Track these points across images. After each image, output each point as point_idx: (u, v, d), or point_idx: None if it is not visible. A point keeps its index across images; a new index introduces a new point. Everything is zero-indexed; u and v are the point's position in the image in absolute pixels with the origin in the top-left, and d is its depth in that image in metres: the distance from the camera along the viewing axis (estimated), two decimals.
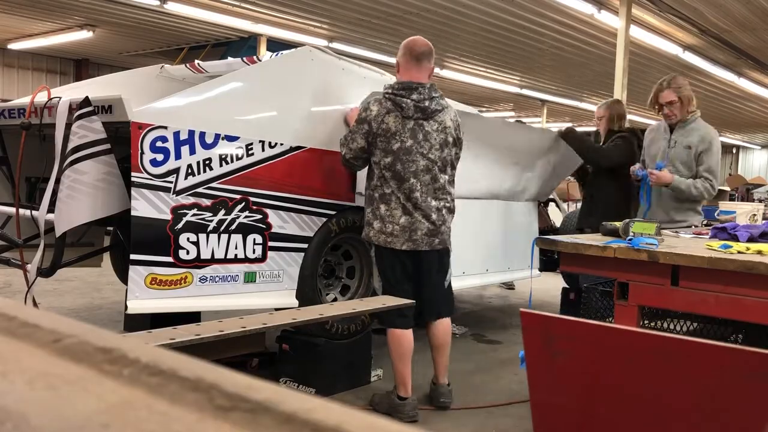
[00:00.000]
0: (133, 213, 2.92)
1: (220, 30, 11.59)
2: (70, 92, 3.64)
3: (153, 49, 13.54)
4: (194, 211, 3.11)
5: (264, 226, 3.38)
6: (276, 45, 10.76)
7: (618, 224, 3.04)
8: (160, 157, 2.99)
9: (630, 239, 2.77)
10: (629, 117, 5.04)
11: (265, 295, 3.44)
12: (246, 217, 3.30)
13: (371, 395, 3.56)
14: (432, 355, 3.55)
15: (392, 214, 3.29)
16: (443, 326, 3.53)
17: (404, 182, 3.27)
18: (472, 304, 6.62)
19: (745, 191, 12.75)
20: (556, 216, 7.01)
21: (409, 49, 3.35)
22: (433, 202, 3.33)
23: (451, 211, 3.45)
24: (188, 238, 3.09)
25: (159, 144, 2.99)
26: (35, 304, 3.45)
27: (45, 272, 3.27)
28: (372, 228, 3.36)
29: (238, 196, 3.26)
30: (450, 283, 3.59)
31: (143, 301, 3.00)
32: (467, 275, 4.64)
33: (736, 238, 2.86)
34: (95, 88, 4.13)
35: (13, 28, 12.34)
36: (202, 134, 3.13)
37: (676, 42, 10.83)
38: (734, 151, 29.50)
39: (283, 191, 3.46)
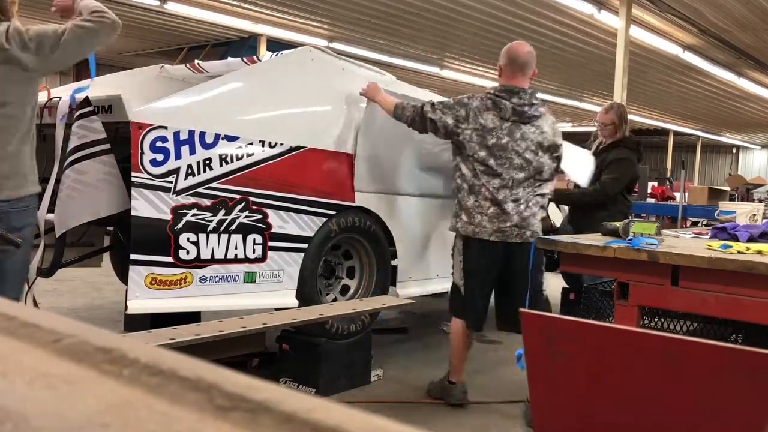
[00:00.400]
0: (133, 213, 2.92)
1: (220, 30, 11.59)
2: (70, 92, 3.64)
3: (153, 49, 13.55)
4: (194, 211, 3.11)
5: (264, 226, 3.38)
6: (276, 45, 10.76)
7: (618, 224, 3.04)
8: (160, 157, 2.99)
9: (630, 239, 2.77)
10: (629, 117, 4.98)
11: (265, 295, 3.44)
12: (246, 217, 3.30)
13: (427, 385, 3.74)
14: None
15: (481, 205, 3.32)
16: None
17: (496, 177, 3.31)
18: None
19: (745, 191, 12.73)
20: (556, 216, 7.01)
21: (512, 59, 3.39)
22: (523, 195, 3.34)
23: (540, 204, 3.44)
24: (188, 238, 3.09)
25: (159, 144, 2.99)
26: (35, 304, 3.45)
27: (45, 272, 3.27)
28: (460, 219, 3.40)
29: (238, 196, 3.26)
30: (546, 296, 3.59)
31: (143, 301, 3.00)
32: None
33: (736, 238, 2.87)
34: (95, 88, 4.13)
35: None
36: (202, 134, 3.13)
37: (676, 42, 10.83)
38: (734, 151, 29.49)
39: (283, 191, 3.46)
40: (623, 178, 4.54)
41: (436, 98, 3.86)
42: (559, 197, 4.90)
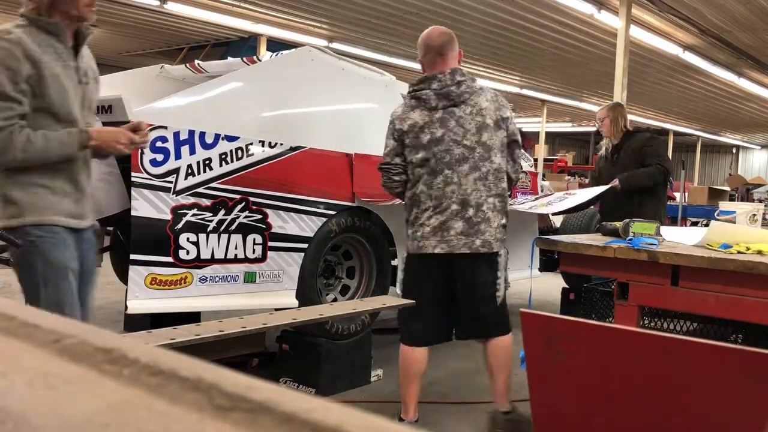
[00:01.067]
0: (133, 213, 2.92)
1: (220, 30, 11.58)
2: None
3: (153, 49, 13.54)
4: (194, 211, 3.11)
5: (264, 226, 3.38)
6: (276, 45, 10.76)
7: (618, 224, 3.04)
8: (160, 157, 2.99)
9: (630, 239, 2.77)
10: (629, 117, 5.03)
11: (265, 295, 3.44)
12: (246, 217, 3.30)
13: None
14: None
15: (420, 216, 2.93)
16: (495, 346, 3.09)
17: (437, 176, 2.87)
18: None
19: (745, 191, 12.75)
20: (555, 216, 7.00)
21: (427, 46, 2.99)
22: (473, 195, 2.88)
23: (499, 208, 2.95)
24: (188, 238, 3.09)
25: (159, 144, 2.99)
26: None
27: None
28: (408, 238, 3.03)
29: (238, 196, 3.26)
30: (503, 298, 3.06)
31: (143, 301, 3.00)
32: None
33: None
34: None
35: None
36: (202, 134, 3.13)
37: (676, 42, 10.83)
38: (734, 151, 29.49)
39: (283, 191, 3.46)
40: (667, 156, 4.65)
41: None
42: (627, 182, 4.44)
